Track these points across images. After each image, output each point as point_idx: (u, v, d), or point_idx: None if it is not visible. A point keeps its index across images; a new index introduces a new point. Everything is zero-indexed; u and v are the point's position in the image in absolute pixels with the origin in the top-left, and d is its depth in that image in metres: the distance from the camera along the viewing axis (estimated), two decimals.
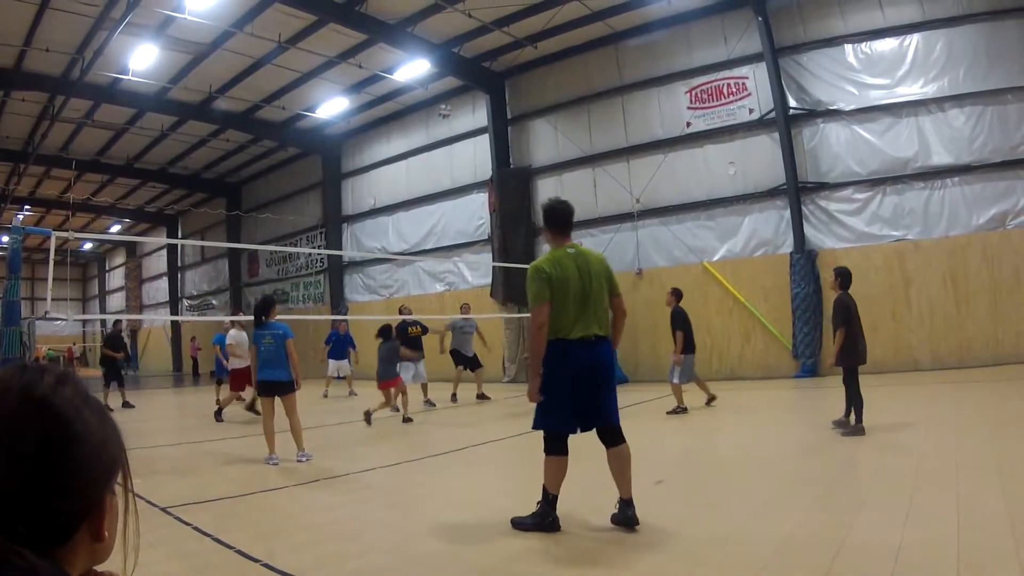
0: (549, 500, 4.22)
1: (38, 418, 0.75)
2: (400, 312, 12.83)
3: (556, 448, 4.28)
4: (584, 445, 4.46)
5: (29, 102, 17.92)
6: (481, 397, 12.76)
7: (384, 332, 10.34)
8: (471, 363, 12.91)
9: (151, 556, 3.85)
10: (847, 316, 7.02)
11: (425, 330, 12.45)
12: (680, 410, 9.20)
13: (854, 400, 6.88)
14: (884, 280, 12.52)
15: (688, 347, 9.33)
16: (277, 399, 7.28)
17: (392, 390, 10.07)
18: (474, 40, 15.83)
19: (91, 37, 14.61)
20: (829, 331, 12.76)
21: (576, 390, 4.25)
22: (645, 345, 14.72)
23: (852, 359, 6.99)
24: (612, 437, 4.35)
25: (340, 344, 15.31)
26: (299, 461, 7.04)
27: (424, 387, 12.23)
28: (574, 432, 4.33)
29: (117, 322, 13.68)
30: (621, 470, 4.28)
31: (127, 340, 38.96)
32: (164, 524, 4.72)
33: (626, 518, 4.18)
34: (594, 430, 4.36)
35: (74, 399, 0.79)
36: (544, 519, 4.19)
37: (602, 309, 4.41)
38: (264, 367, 7.22)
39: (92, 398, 0.83)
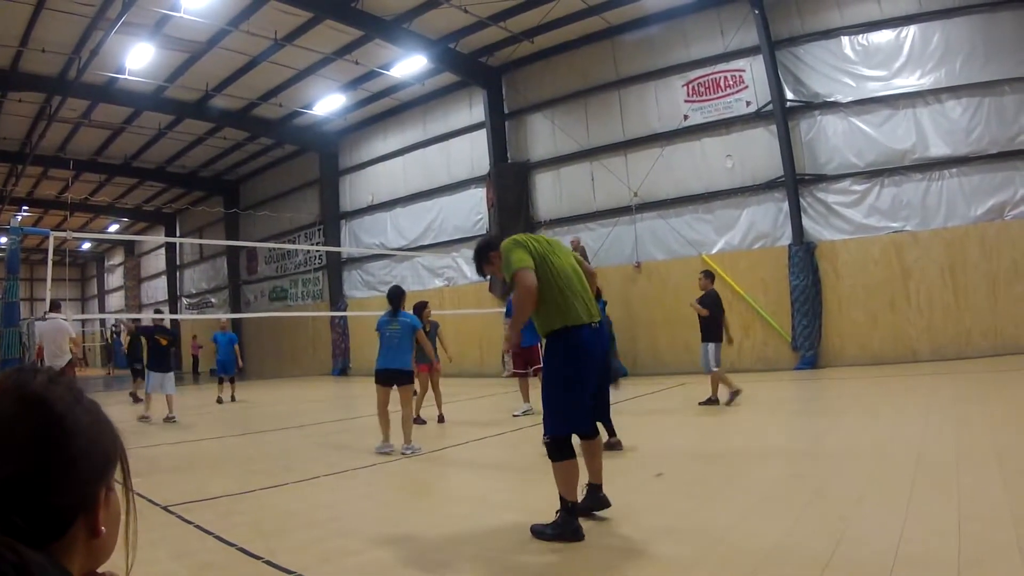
0: (568, 508, 3.90)
1: (31, 413, 0.78)
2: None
3: (566, 452, 3.95)
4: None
5: (26, 103, 17.90)
6: None
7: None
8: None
9: (153, 555, 3.85)
10: None
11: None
12: (714, 400, 9.06)
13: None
14: (882, 272, 12.54)
15: (719, 335, 9.08)
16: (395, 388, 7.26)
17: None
18: (471, 35, 15.82)
19: (87, 37, 14.59)
20: (828, 323, 12.94)
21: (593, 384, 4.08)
22: (644, 339, 14.75)
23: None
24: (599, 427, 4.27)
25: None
26: (403, 454, 6.97)
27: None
28: (589, 432, 4.26)
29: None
30: (599, 456, 4.30)
31: (119, 339, 38.77)
32: (166, 523, 4.73)
33: (597, 500, 4.22)
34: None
35: (66, 396, 0.82)
36: (566, 528, 3.84)
37: (587, 289, 4.22)
38: (386, 356, 7.27)
39: (85, 396, 0.85)
